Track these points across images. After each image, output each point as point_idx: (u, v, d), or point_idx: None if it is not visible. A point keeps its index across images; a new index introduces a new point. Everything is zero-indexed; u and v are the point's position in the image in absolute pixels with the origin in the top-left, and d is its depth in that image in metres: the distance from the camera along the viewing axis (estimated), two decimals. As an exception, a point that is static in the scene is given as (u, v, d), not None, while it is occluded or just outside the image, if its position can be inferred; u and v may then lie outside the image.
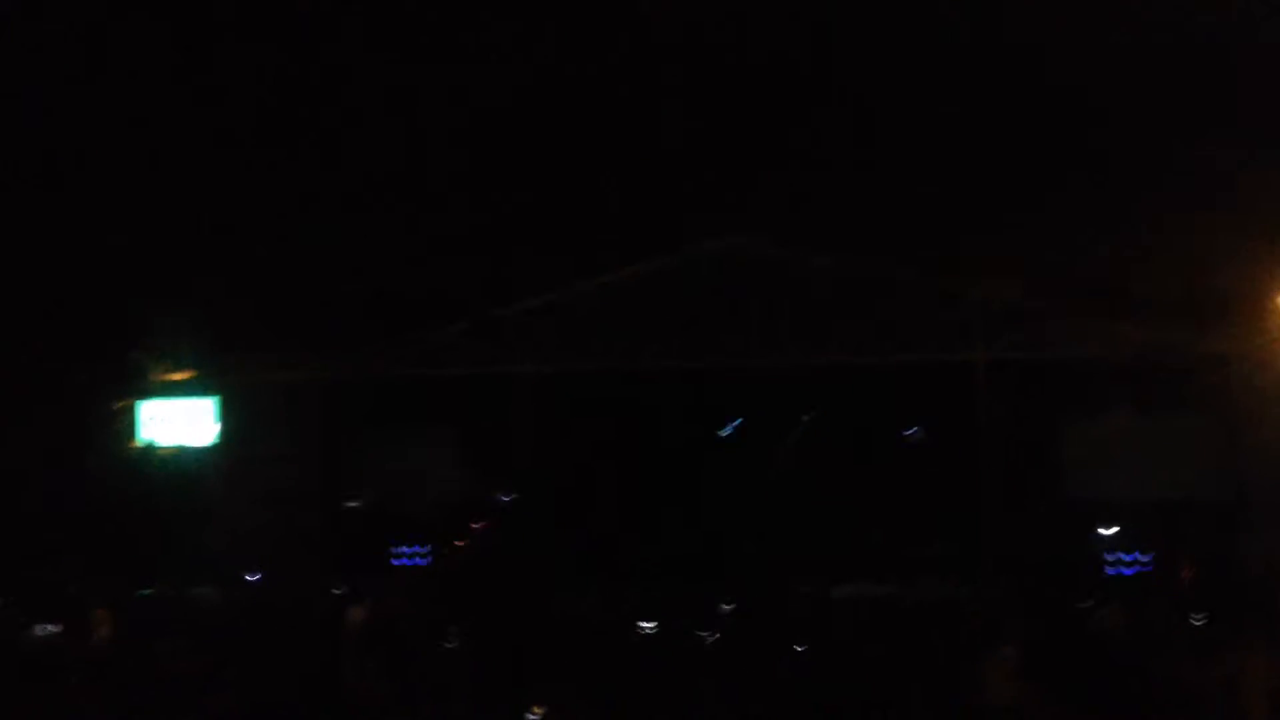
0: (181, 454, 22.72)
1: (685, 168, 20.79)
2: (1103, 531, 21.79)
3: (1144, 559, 21.13)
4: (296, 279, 22.10)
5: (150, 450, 22.67)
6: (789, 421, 23.91)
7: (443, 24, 18.48)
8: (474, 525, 22.12)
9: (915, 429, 23.22)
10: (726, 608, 19.12)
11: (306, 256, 21.79)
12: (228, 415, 22.85)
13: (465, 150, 19.75)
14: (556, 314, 22.45)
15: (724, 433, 24.14)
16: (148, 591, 19.46)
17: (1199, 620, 16.99)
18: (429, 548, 21.54)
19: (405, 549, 21.56)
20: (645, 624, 18.55)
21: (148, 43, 19.07)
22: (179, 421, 22.82)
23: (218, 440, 22.77)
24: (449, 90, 18.94)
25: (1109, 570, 21.15)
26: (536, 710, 13.44)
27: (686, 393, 23.39)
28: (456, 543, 21.27)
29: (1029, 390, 22.86)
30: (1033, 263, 22.77)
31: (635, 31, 19.08)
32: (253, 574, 20.34)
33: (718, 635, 18.72)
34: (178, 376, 22.66)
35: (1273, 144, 18.02)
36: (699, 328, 22.60)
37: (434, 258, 21.75)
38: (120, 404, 22.54)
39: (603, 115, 20.17)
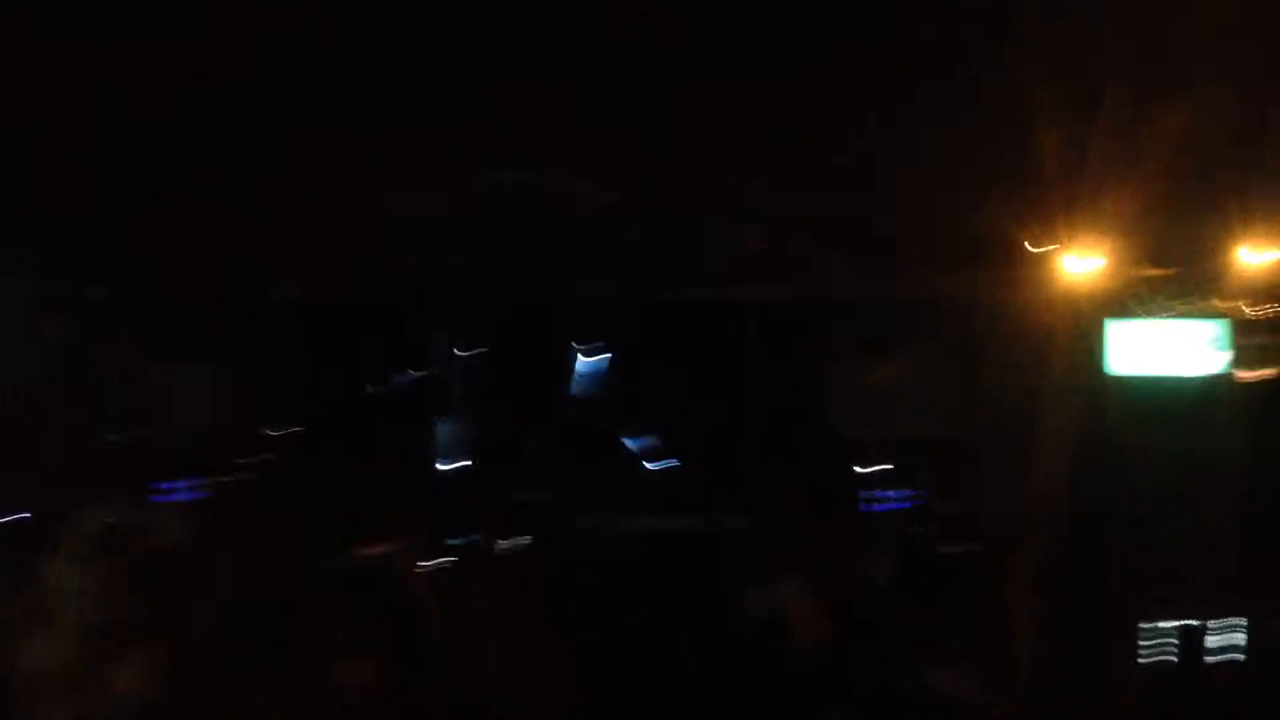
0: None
1: (470, 101, 20.27)
2: (864, 469, 22.70)
3: (903, 495, 22.11)
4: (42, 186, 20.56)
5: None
6: (560, 353, 23.98)
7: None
8: (239, 459, 21.39)
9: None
10: (504, 543, 19.11)
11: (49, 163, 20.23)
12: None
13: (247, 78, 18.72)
14: (333, 241, 21.71)
15: (498, 364, 24.05)
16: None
17: (954, 550, 17.97)
18: (194, 481, 20.72)
19: (169, 483, 20.65)
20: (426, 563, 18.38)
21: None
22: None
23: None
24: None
25: (875, 506, 22.07)
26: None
27: (459, 323, 23.17)
28: (227, 474, 20.53)
29: (791, 329, 23.62)
30: (795, 205, 23.19)
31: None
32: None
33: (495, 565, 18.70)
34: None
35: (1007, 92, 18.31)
36: (476, 259, 22.35)
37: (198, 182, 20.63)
38: None
39: (391, 51, 19.40)
